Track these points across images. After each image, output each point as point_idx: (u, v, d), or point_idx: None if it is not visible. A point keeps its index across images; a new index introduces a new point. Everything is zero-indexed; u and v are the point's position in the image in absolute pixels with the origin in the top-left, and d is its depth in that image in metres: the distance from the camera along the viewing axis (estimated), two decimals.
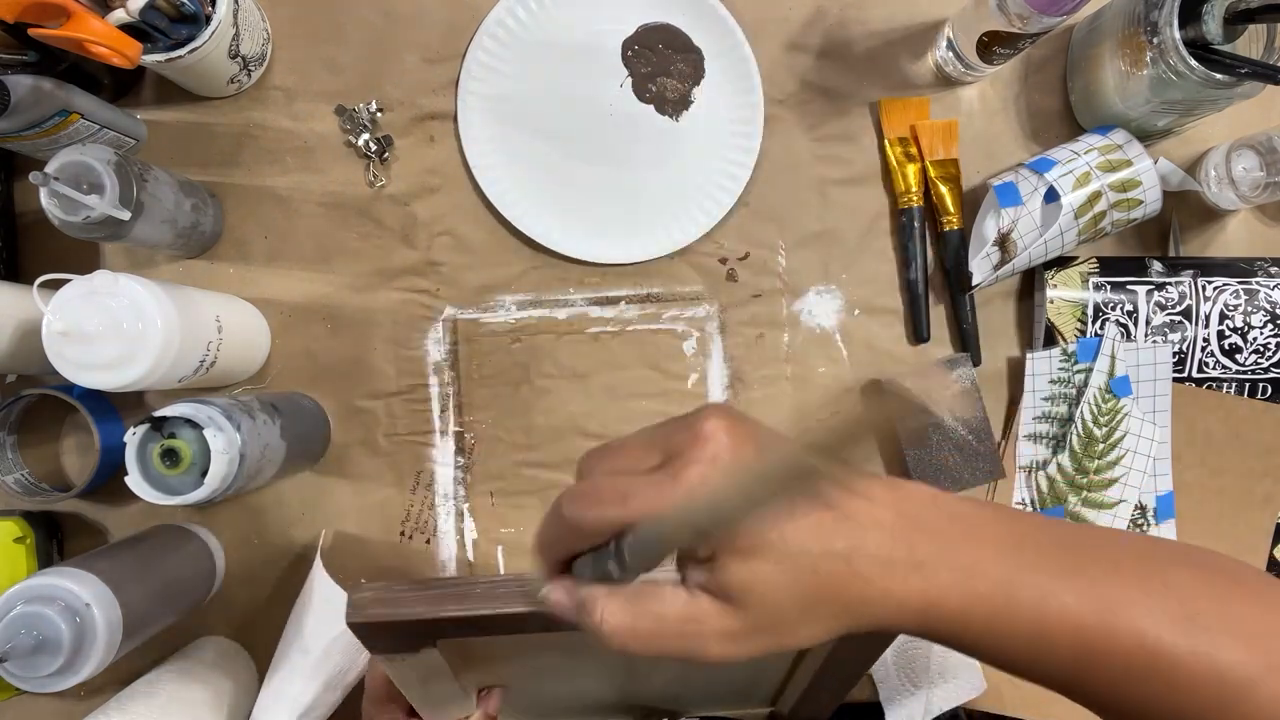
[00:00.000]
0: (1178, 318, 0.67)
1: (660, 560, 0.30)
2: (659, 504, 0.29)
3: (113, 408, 0.65)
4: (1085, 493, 0.67)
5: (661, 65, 0.68)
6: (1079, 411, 0.67)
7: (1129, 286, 0.67)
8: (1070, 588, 0.31)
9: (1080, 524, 0.32)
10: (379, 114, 0.68)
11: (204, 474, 0.52)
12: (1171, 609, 0.31)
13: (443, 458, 0.68)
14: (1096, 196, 0.64)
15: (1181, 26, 0.58)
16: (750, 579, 0.29)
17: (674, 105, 0.68)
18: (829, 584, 0.30)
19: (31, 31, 0.51)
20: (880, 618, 0.31)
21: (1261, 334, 0.67)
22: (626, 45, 0.68)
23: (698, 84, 0.68)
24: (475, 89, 0.67)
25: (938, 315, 0.70)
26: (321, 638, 0.55)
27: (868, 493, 0.31)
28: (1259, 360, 0.68)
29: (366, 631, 0.40)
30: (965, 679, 0.64)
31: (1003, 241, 0.65)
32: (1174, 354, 0.67)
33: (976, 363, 0.69)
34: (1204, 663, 0.31)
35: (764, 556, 0.29)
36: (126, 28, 0.55)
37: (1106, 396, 0.67)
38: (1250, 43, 0.60)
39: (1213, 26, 0.57)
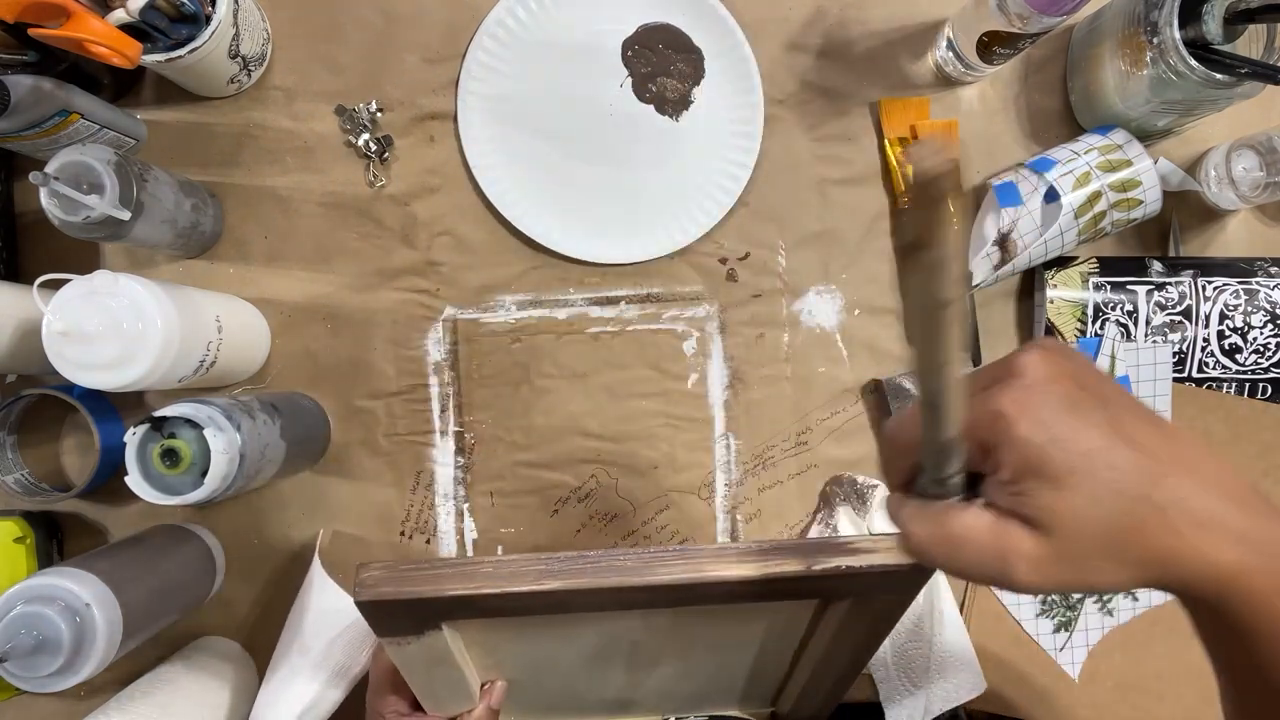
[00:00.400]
0: (1178, 318, 0.67)
1: (949, 470, 0.31)
2: (966, 423, 0.29)
3: (113, 408, 0.65)
4: None
5: (661, 65, 0.68)
6: None
7: (1129, 286, 0.67)
8: None
9: None
10: (379, 114, 0.68)
11: (204, 474, 0.52)
12: None
13: (443, 458, 0.68)
14: (1096, 196, 0.64)
15: (1181, 26, 0.58)
16: (1062, 508, 0.29)
17: (674, 105, 0.68)
18: (1142, 530, 0.29)
19: (31, 31, 0.51)
20: (1184, 578, 0.30)
21: (1261, 334, 0.67)
22: (626, 45, 0.68)
23: (698, 84, 0.68)
24: (475, 89, 0.67)
25: None
26: (321, 636, 0.55)
27: (1186, 448, 0.30)
28: (1259, 360, 0.68)
29: (374, 610, 0.41)
30: (965, 679, 0.64)
31: (1003, 241, 0.65)
32: (1174, 354, 0.67)
33: (976, 363, 0.69)
34: None
35: (1077, 488, 0.28)
36: (126, 28, 0.55)
37: None
38: (1250, 43, 0.60)
39: (1213, 26, 0.57)
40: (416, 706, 0.51)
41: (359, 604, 0.40)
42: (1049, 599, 0.69)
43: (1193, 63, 0.57)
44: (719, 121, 0.68)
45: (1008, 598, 0.68)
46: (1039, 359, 0.30)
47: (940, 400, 0.28)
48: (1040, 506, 0.29)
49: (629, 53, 0.68)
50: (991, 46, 0.63)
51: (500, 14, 0.67)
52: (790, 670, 0.58)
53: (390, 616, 0.42)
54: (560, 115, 0.68)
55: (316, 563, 0.58)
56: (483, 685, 0.53)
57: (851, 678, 0.56)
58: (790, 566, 0.41)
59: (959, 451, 0.30)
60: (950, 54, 0.67)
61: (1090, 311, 0.67)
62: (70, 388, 0.62)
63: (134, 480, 0.52)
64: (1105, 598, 0.68)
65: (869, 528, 0.67)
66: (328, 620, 0.55)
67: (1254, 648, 0.31)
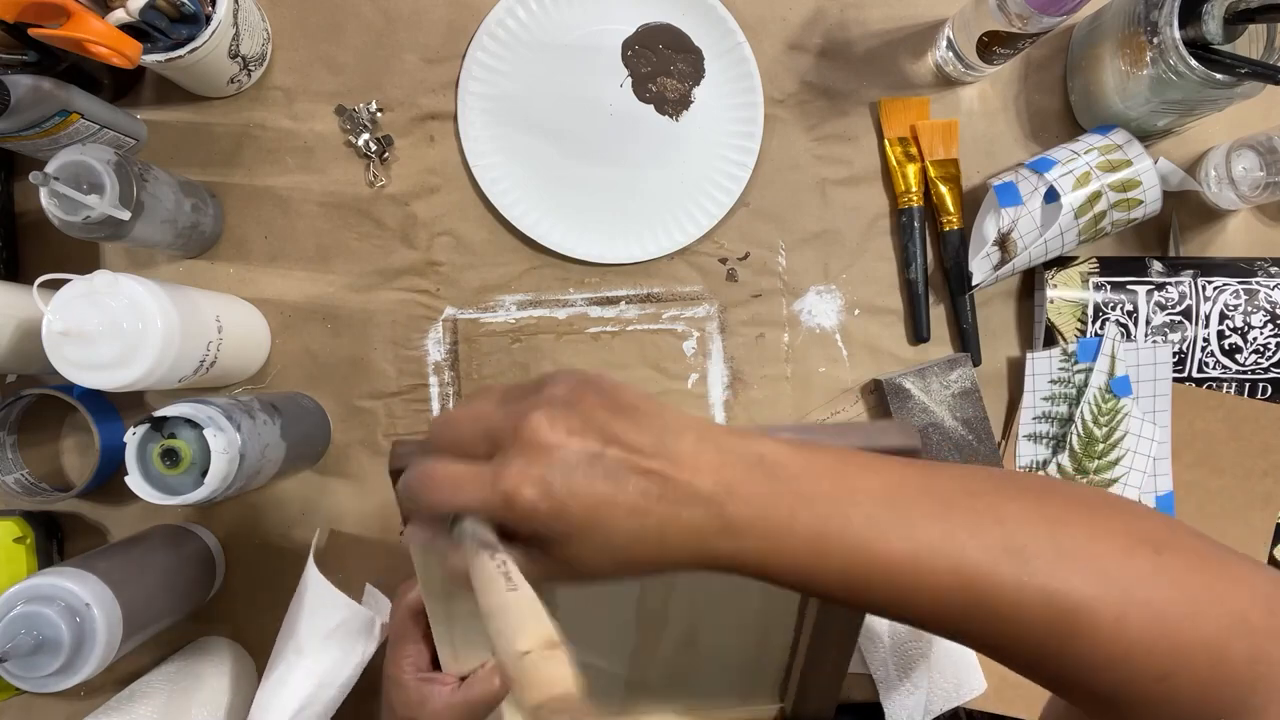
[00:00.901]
0: (1178, 318, 0.67)
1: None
2: (479, 503, 0.32)
3: (113, 408, 0.65)
4: None
5: (661, 65, 0.68)
6: (1079, 411, 0.67)
7: (1129, 286, 0.67)
8: (886, 534, 0.32)
9: (925, 464, 0.35)
10: (379, 114, 0.68)
11: (204, 474, 0.52)
12: (996, 542, 0.32)
13: None
14: (1096, 196, 0.64)
15: (1181, 26, 0.58)
16: (572, 558, 0.32)
17: (674, 105, 0.68)
18: (644, 557, 0.32)
19: (31, 31, 0.51)
20: (697, 564, 0.33)
21: (1261, 334, 0.67)
22: (626, 45, 0.68)
23: (698, 84, 0.68)
24: (475, 89, 0.67)
25: (938, 315, 0.70)
26: (315, 635, 0.55)
27: (693, 462, 0.32)
28: (1259, 360, 0.68)
29: (400, 460, 0.42)
30: (965, 679, 0.64)
31: (1003, 241, 0.65)
32: (1174, 354, 0.67)
33: (976, 363, 0.69)
34: (1032, 594, 0.31)
35: (579, 542, 0.31)
36: (126, 28, 0.55)
37: (1106, 396, 0.67)
38: (1250, 43, 0.60)
39: (1213, 26, 0.57)
40: (435, 666, 0.50)
41: (392, 473, 0.41)
42: None
43: (1193, 63, 0.57)
44: (719, 121, 0.68)
45: None
46: (543, 424, 0.31)
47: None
48: (553, 562, 0.32)
49: (629, 52, 0.68)
50: (991, 46, 0.63)
51: (500, 14, 0.67)
52: (795, 639, 0.58)
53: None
54: (560, 115, 0.68)
55: (311, 563, 0.58)
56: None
57: (851, 641, 0.56)
58: None
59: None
60: (950, 54, 0.68)
61: (1090, 311, 0.67)
62: (70, 388, 0.62)
63: (134, 480, 0.52)
64: None
65: None
66: (322, 619, 0.55)
67: (811, 594, 0.34)
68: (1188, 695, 0.31)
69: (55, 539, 0.65)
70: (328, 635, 0.55)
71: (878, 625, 0.66)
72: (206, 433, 0.51)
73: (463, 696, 0.46)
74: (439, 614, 0.49)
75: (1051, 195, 0.64)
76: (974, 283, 0.67)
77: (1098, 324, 0.67)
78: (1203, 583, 0.32)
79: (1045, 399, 0.68)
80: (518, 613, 0.30)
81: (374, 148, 0.67)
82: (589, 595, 0.55)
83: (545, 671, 0.29)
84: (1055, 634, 0.31)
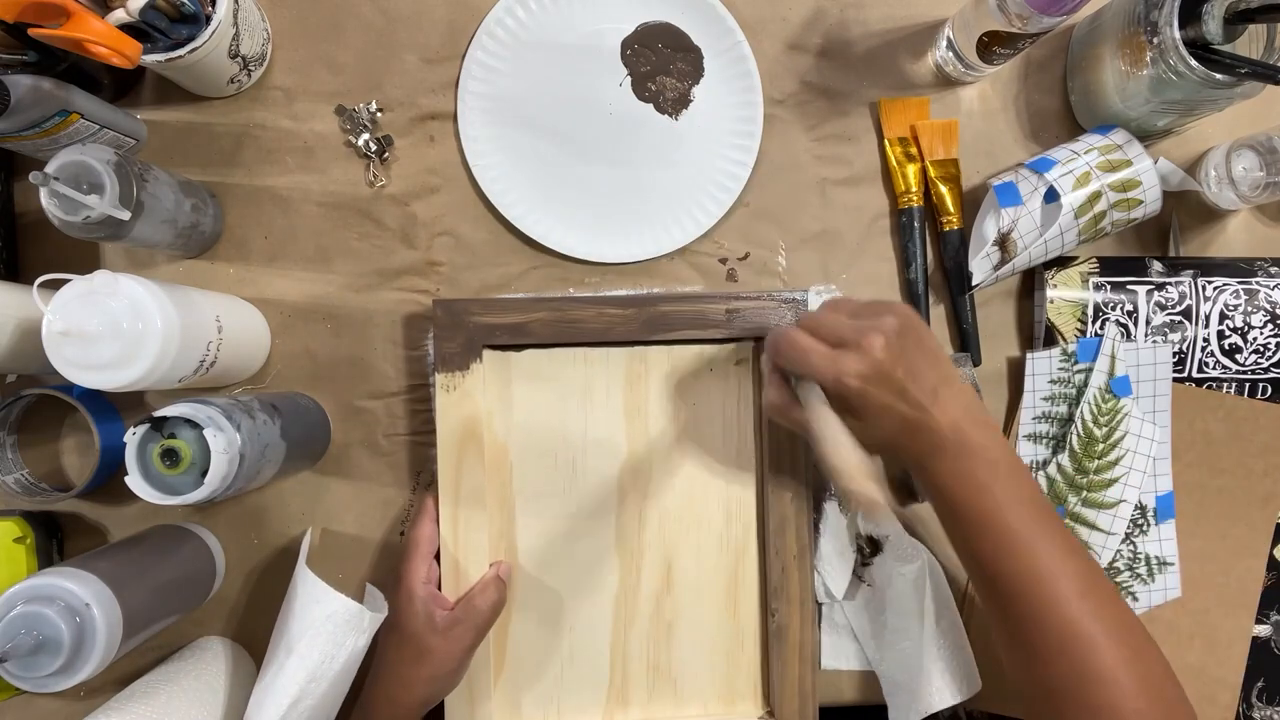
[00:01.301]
0: (1178, 318, 0.67)
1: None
2: (819, 371, 0.50)
3: (113, 408, 0.65)
4: (1085, 493, 0.67)
5: (661, 64, 0.68)
6: (1079, 411, 0.67)
7: (1129, 286, 0.67)
8: (1016, 513, 0.50)
9: (1046, 500, 0.52)
10: (379, 114, 0.68)
11: (204, 474, 0.52)
12: (1063, 568, 0.49)
13: None
14: (1096, 196, 0.64)
15: (1181, 26, 0.58)
16: (856, 429, 0.51)
17: (673, 104, 0.68)
18: (886, 444, 0.52)
19: (31, 31, 0.51)
20: (914, 464, 0.52)
21: (1261, 334, 0.67)
22: (626, 44, 0.68)
23: (697, 83, 0.68)
24: (475, 89, 0.67)
25: (938, 315, 0.70)
26: (305, 632, 0.55)
27: (945, 407, 0.50)
28: (1259, 360, 0.68)
29: (444, 321, 0.62)
30: (964, 678, 0.64)
31: (1003, 241, 0.65)
32: (1174, 354, 0.67)
33: (976, 363, 0.69)
34: (1069, 611, 0.48)
35: (858, 418, 0.51)
36: (126, 28, 0.55)
37: (1106, 396, 0.67)
38: (1250, 43, 0.60)
39: (1213, 26, 0.57)
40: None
41: (435, 302, 0.63)
42: None
43: (1193, 63, 0.57)
44: (718, 120, 0.68)
45: None
46: (882, 345, 0.49)
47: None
48: (858, 425, 0.51)
49: (628, 52, 0.68)
50: (991, 46, 0.63)
51: (500, 13, 0.67)
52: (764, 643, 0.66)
53: (449, 330, 0.62)
54: (560, 114, 0.68)
55: (302, 560, 0.58)
56: (492, 564, 0.63)
57: (808, 647, 0.66)
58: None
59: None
60: (950, 54, 0.67)
61: (1090, 311, 0.67)
62: (70, 388, 0.62)
63: (134, 480, 0.52)
64: None
65: (857, 528, 0.67)
66: (311, 615, 0.55)
67: (945, 512, 0.53)
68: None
69: (55, 539, 0.65)
70: (317, 629, 0.55)
71: (878, 626, 0.66)
72: (206, 433, 0.51)
73: (463, 609, 0.59)
74: (447, 521, 0.62)
75: (1051, 195, 0.64)
76: (974, 283, 0.67)
77: (1098, 324, 0.67)
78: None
79: (1045, 399, 0.68)
80: (850, 450, 0.50)
81: (374, 148, 0.67)
82: (578, 590, 0.66)
83: (866, 492, 0.49)
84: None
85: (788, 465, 0.65)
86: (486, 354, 0.64)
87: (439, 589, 0.61)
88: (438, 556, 0.62)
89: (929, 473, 0.51)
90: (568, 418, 0.66)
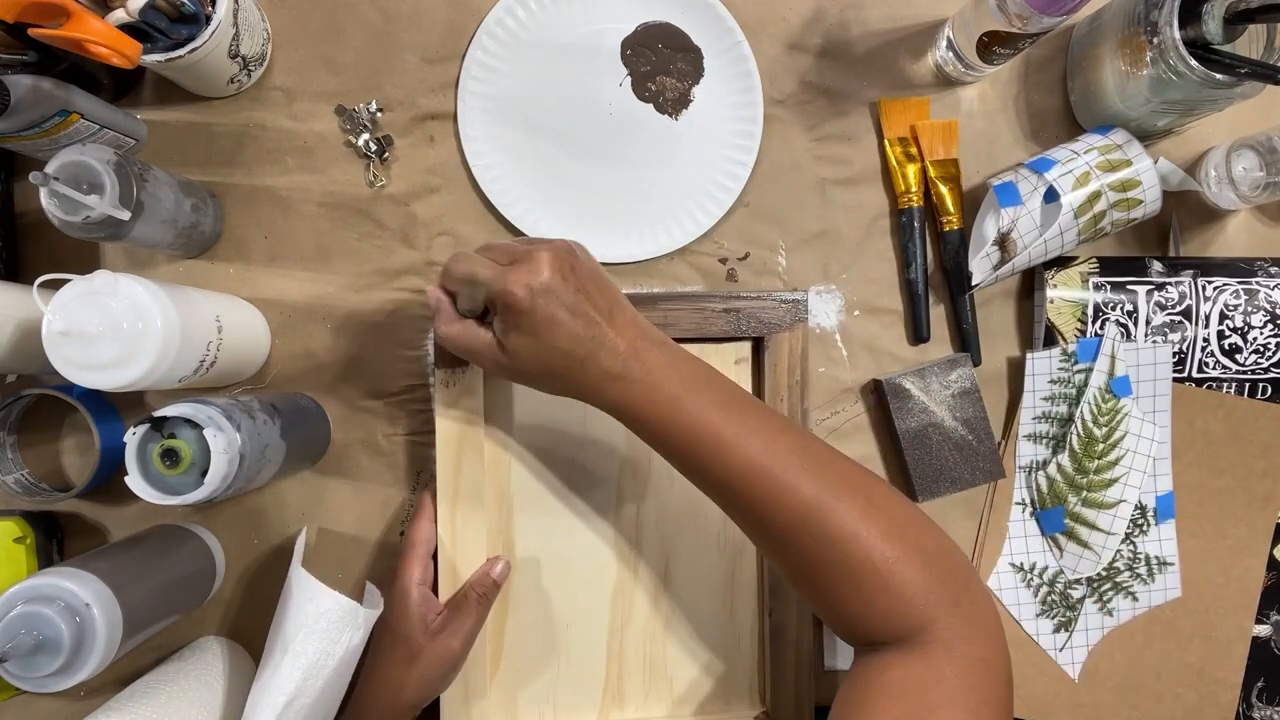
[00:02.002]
0: (1178, 318, 0.67)
1: (478, 311, 0.53)
2: (485, 279, 0.50)
3: (113, 408, 0.65)
4: (1085, 493, 0.67)
5: (661, 64, 0.68)
6: (1079, 411, 0.67)
7: (1129, 286, 0.67)
8: (715, 418, 0.50)
9: (742, 392, 0.53)
10: (379, 114, 0.68)
11: (204, 474, 0.52)
12: (782, 449, 0.49)
13: None
14: (1096, 196, 0.64)
15: (1181, 26, 0.58)
16: (518, 345, 0.50)
17: (673, 104, 0.68)
18: (563, 371, 0.50)
19: (31, 31, 0.51)
20: (590, 399, 0.51)
21: (1261, 334, 0.67)
22: (626, 44, 0.68)
23: (697, 83, 0.68)
24: (475, 89, 0.67)
25: (938, 315, 0.70)
26: (300, 630, 0.55)
27: (622, 328, 0.50)
28: (1259, 360, 0.68)
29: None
30: None
31: (1002, 241, 0.65)
32: (1174, 354, 0.67)
33: (976, 363, 0.69)
34: (795, 486, 0.48)
35: (530, 335, 0.50)
36: (126, 28, 0.55)
37: (1106, 396, 0.67)
38: (1250, 43, 0.60)
39: (1213, 26, 0.57)
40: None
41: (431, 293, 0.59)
42: (1049, 600, 0.69)
43: (1193, 63, 0.57)
44: (718, 120, 0.68)
45: (1008, 599, 0.69)
46: (548, 262, 0.49)
47: (479, 293, 0.50)
48: (506, 340, 0.51)
49: (628, 52, 0.68)
50: (991, 46, 0.63)
51: (500, 13, 0.67)
52: (760, 640, 0.66)
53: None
54: (560, 114, 0.68)
55: (296, 560, 0.58)
56: (489, 559, 0.63)
57: (806, 640, 0.65)
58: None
59: (482, 301, 0.51)
60: (950, 54, 0.68)
61: (1090, 311, 0.67)
62: (70, 388, 0.62)
63: (134, 480, 0.52)
64: (1105, 599, 0.68)
65: None
66: (305, 612, 0.55)
67: (657, 445, 0.52)
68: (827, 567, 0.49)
69: (55, 539, 0.65)
70: (311, 626, 0.55)
71: None
72: (206, 433, 0.51)
73: (453, 613, 0.59)
74: (446, 516, 0.62)
75: (1051, 195, 0.64)
76: (974, 283, 0.67)
77: (1098, 324, 0.67)
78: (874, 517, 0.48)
79: (1045, 399, 0.68)
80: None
81: (374, 148, 0.67)
82: (574, 588, 0.66)
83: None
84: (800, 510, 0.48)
85: None
86: None
87: (434, 589, 0.61)
88: (435, 556, 0.62)
89: (614, 397, 0.50)
90: (566, 416, 0.66)
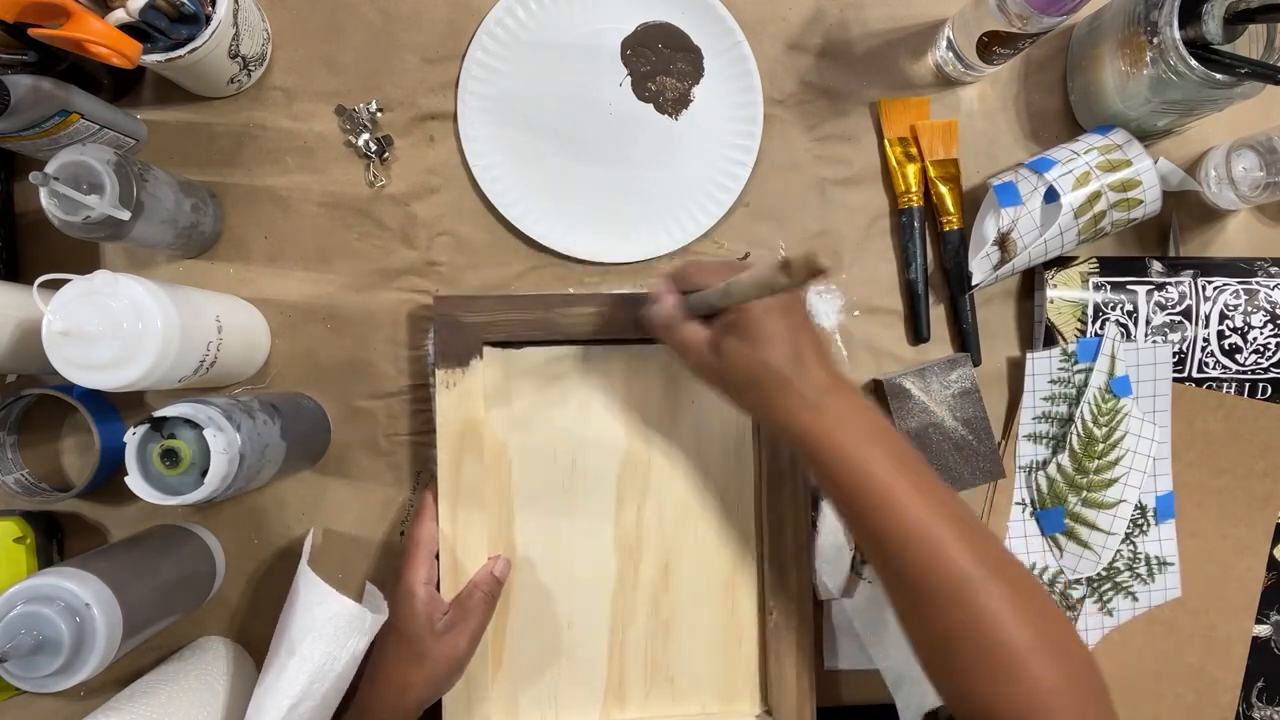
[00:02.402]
0: (1178, 318, 0.67)
1: (708, 310, 0.55)
2: (717, 280, 0.53)
3: (113, 408, 0.65)
4: (1085, 493, 0.67)
5: (661, 64, 0.68)
6: (1079, 411, 0.67)
7: (1129, 286, 0.67)
8: (889, 472, 0.50)
9: (916, 454, 0.53)
10: (379, 114, 0.68)
11: (204, 474, 0.52)
12: (929, 509, 0.50)
13: None
14: (1096, 196, 0.64)
15: (1181, 26, 0.58)
16: (734, 349, 0.53)
17: (673, 104, 0.68)
18: (764, 386, 0.52)
19: (31, 31, 0.51)
20: (779, 422, 0.53)
21: (1261, 334, 0.67)
22: (626, 44, 0.68)
23: (697, 83, 0.68)
24: (475, 89, 0.67)
25: (938, 315, 0.70)
26: (307, 633, 0.55)
27: (824, 363, 0.53)
28: (1259, 360, 0.68)
29: (444, 319, 0.63)
30: None
31: (1002, 241, 0.65)
32: (1174, 354, 0.67)
33: (976, 363, 0.69)
34: (950, 554, 0.48)
35: (749, 343, 0.52)
36: (126, 28, 0.55)
37: (1106, 396, 0.67)
38: (1250, 43, 0.60)
39: (1213, 26, 0.57)
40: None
41: (436, 299, 0.63)
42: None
43: (1193, 63, 0.57)
44: (718, 120, 0.68)
45: None
46: (773, 313, 0.52)
47: (733, 298, 0.52)
48: (720, 343, 0.54)
49: (628, 51, 0.68)
50: (991, 46, 0.63)
51: (500, 13, 0.67)
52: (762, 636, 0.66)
53: (449, 326, 0.63)
54: (560, 114, 0.68)
55: (304, 561, 0.58)
56: (490, 558, 0.64)
57: (807, 639, 0.65)
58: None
59: (719, 306, 0.54)
60: (950, 54, 0.68)
61: (1090, 311, 0.67)
62: (70, 388, 0.62)
63: (134, 480, 0.52)
64: (1105, 599, 0.69)
65: None
66: (313, 616, 0.55)
67: (823, 484, 0.53)
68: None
69: (55, 539, 0.65)
70: (319, 630, 0.55)
71: (879, 621, 0.66)
72: (206, 433, 0.51)
73: (458, 612, 0.60)
74: (447, 516, 0.62)
75: (1051, 195, 0.64)
76: (974, 283, 0.67)
77: (1098, 324, 0.67)
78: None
79: (1045, 399, 0.68)
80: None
81: (374, 148, 0.67)
82: (576, 587, 0.66)
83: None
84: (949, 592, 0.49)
85: (786, 464, 0.65)
86: (487, 350, 0.64)
87: (438, 589, 0.61)
88: (438, 555, 0.62)
89: (803, 426, 0.52)
90: (567, 415, 0.66)
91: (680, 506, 0.67)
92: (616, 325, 0.64)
